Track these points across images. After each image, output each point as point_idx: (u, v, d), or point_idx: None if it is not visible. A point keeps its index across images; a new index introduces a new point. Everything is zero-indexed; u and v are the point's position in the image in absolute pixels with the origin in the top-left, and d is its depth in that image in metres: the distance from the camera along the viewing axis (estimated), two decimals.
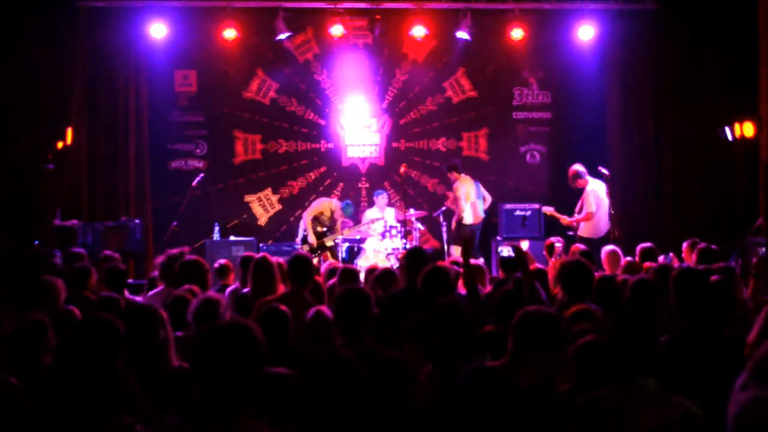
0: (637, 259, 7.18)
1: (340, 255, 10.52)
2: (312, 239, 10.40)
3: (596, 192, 9.93)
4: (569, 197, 11.61)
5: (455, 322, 3.66)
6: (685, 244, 7.88)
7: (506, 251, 6.61)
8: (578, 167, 10.10)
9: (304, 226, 10.69)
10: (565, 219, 10.12)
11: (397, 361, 3.70)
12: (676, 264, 7.23)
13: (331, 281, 6.13)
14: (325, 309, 4.32)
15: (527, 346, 3.26)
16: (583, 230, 9.97)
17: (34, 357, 3.65)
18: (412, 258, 5.40)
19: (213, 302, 4.48)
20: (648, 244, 7.38)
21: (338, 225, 10.69)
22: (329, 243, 10.54)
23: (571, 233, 10.08)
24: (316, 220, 10.58)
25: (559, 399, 3.32)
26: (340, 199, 11.32)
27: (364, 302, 3.85)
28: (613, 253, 7.35)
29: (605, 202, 9.87)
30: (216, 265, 6.89)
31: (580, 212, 10.03)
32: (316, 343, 4.09)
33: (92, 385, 3.16)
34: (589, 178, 10.03)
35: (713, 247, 6.93)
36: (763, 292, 5.57)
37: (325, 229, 10.56)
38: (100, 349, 3.26)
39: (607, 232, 9.87)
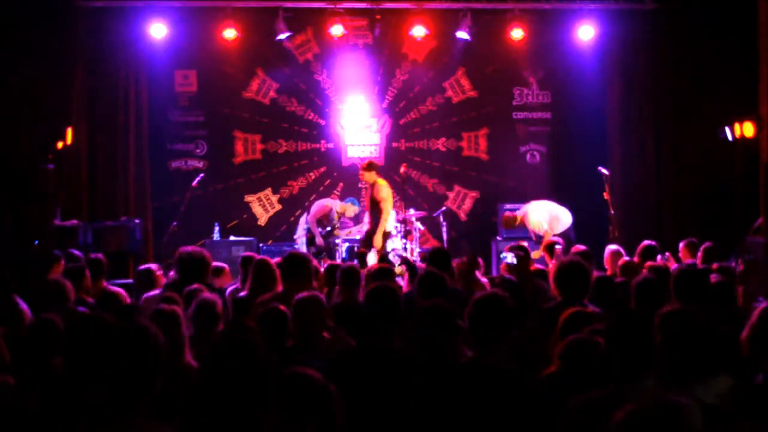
0: (636, 257, 7.19)
1: (339, 256, 10.51)
2: (320, 240, 10.39)
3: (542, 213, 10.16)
4: (569, 197, 11.63)
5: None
6: (682, 244, 7.89)
7: (510, 257, 6.62)
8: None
9: (305, 226, 10.67)
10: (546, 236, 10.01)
11: (413, 359, 3.70)
12: (672, 263, 7.24)
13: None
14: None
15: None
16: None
17: (45, 358, 3.63)
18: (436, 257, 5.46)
19: (210, 303, 4.47)
20: (650, 242, 7.38)
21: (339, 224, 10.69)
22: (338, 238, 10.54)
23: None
24: (320, 222, 10.56)
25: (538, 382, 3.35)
26: (341, 199, 11.36)
27: (395, 300, 3.82)
28: (615, 253, 7.35)
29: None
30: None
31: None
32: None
33: (91, 383, 3.16)
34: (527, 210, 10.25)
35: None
36: (752, 297, 5.59)
37: (329, 229, 10.53)
38: (96, 348, 3.25)
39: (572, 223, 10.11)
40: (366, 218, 10.77)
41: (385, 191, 9.89)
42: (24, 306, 4.72)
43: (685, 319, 3.21)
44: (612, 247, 7.50)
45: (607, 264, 7.31)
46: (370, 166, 10.03)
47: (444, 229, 10.93)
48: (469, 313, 3.49)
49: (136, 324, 3.29)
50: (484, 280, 6.77)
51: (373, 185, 9.96)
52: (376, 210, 9.84)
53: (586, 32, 11.40)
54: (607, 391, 2.99)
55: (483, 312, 3.44)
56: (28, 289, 5.19)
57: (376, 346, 3.67)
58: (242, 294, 5.60)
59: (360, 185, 12.07)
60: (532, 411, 3.24)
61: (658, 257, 7.42)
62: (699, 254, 7.13)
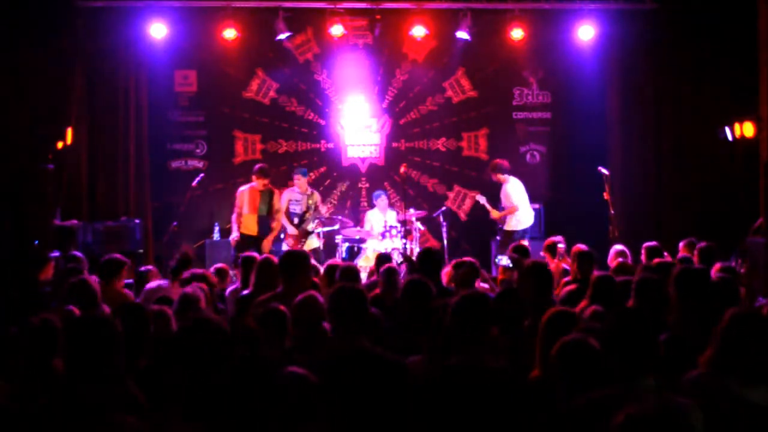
0: (642, 257, 7.20)
1: (320, 239, 10.42)
2: (292, 230, 10.27)
3: (518, 186, 10.48)
4: (569, 197, 11.66)
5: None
6: (681, 244, 7.89)
7: (504, 260, 6.64)
8: (503, 162, 10.61)
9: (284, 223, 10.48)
10: (494, 212, 10.53)
11: (393, 361, 3.70)
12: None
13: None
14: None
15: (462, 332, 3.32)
16: (508, 224, 10.43)
17: (46, 360, 3.62)
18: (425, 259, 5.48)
19: (191, 298, 4.48)
20: (653, 243, 7.39)
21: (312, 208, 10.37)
22: (310, 227, 10.33)
23: (499, 226, 10.60)
24: (287, 215, 10.40)
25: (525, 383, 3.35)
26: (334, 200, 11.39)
27: (359, 301, 3.82)
28: (620, 253, 7.35)
29: (526, 196, 10.48)
30: (212, 269, 6.89)
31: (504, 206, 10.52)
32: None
33: (91, 383, 3.16)
34: (508, 175, 10.52)
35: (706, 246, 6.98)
36: (754, 298, 5.60)
37: (300, 218, 10.34)
38: (96, 347, 3.25)
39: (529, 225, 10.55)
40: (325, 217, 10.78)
41: (279, 203, 10.02)
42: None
43: (755, 320, 3.20)
44: (617, 247, 7.50)
45: (611, 263, 7.30)
46: (268, 172, 9.88)
47: (444, 229, 10.92)
48: (452, 314, 3.49)
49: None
50: (485, 286, 6.77)
51: (274, 192, 9.96)
52: (271, 216, 9.83)
53: (586, 32, 11.40)
54: (608, 392, 2.98)
55: (465, 312, 3.44)
56: (28, 289, 5.19)
57: (353, 349, 3.66)
58: (244, 293, 5.59)
59: (359, 185, 12.10)
60: (520, 410, 3.24)
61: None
62: (694, 255, 7.13)
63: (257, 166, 10.06)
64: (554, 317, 3.72)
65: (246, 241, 9.62)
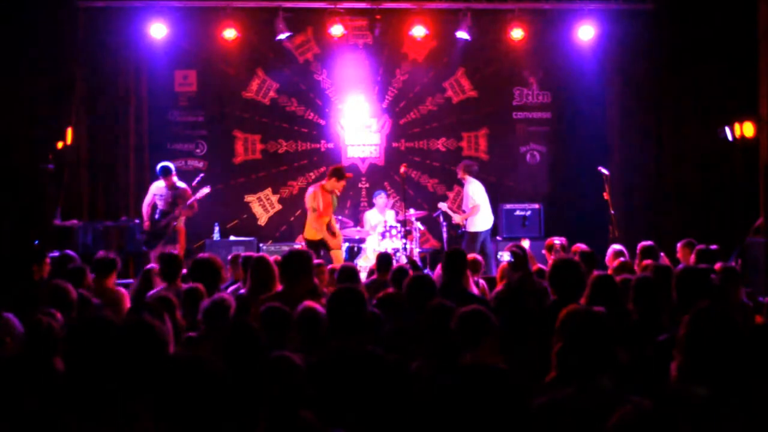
0: (637, 257, 7.19)
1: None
2: (147, 225, 9.91)
3: (480, 187, 10.60)
4: (569, 197, 11.65)
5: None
6: (680, 244, 7.89)
7: (506, 256, 6.64)
8: (474, 164, 10.87)
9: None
10: (456, 216, 10.67)
11: (393, 362, 3.70)
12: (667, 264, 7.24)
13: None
14: (314, 305, 4.28)
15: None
16: (473, 225, 10.53)
17: (47, 361, 3.61)
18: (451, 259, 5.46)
19: (224, 303, 4.48)
20: (648, 243, 7.39)
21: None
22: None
23: (461, 230, 10.74)
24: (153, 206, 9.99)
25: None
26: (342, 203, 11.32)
27: (359, 302, 3.81)
28: (618, 252, 7.35)
29: (487, 198, 10.61)
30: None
31: (465, 209, 10.65)
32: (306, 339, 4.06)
33: (92, 383, 3.16)
34: (473, 178, 10.66)
35: (711, 247, 6.97)
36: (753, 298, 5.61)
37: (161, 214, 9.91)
38: (98, 348, 3.24)
39: (493, 225, 10.71)
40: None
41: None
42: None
43: (720, 320, 3.13)
44: (615, 246, 7.49)
45: (609, 263, 7.30)
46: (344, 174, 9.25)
47: (444, 229, 10.92)
48: (455, 324, 3.54)
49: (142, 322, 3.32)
50: (482, 282, 6.79)
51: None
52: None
53: (586, 32, 11.40)
54: (568, 392, 2.97)
55: (464, 324, 3.50)
56: (27, 288, 5.18)
57: (350, 350, 3.66)
58: (242, 292, 5.60)
59: (359, 185, 12.10)
60: (523, 411, 3.24)
61: None
62: (691, 256, 7.14)
63: (336, 166, 9.36)
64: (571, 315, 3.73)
65: (313, 247, 8.74)
